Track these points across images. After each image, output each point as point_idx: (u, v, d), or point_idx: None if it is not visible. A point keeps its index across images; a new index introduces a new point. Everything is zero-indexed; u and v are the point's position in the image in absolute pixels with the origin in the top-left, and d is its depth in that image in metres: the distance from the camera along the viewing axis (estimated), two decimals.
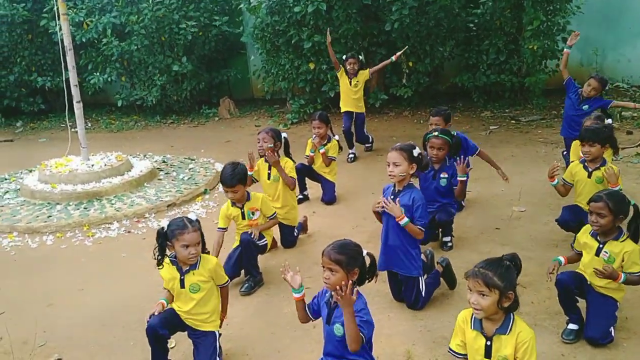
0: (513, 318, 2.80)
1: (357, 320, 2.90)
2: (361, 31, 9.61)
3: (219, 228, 4.74)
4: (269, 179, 5.47)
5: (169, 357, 3.66)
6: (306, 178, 6.56)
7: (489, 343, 2.79)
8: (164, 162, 8.42)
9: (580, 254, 3.85)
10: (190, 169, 8.02)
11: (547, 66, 9.42)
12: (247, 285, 4.64)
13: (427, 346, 3.72)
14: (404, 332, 3.92)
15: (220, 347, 3.66)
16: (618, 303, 3.70)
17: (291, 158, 5.60)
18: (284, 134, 5.56)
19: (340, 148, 6.79)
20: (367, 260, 3.10)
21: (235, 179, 4.54)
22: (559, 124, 7.99)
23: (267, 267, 4.91)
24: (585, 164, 4.67)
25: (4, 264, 5.53)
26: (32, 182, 7.31)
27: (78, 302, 4.69)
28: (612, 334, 3.61)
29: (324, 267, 3.04)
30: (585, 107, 6.35)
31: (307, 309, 3.27)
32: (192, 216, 3.60)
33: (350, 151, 8.03)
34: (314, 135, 6.57)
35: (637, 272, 3.55)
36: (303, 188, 6.57)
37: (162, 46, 10.96)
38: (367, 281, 3.13)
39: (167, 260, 3.58)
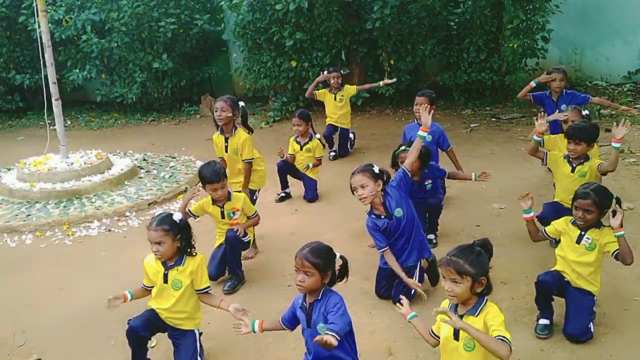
0: (485, 302, 2.83)
1: (330, 318, 2.95)
2: (342, 29, 9.63)
3: (188, 210, 4.62)
4: (226, 151, 5.38)
5: (148, 357, 3.64)
6: (288, 176, 6.57)
7: None
8: (144, 160, 8.35)
9: (546, 238, 4.05)
10: (171, 167, 7.97)
11: (526, 64, 9.50)
12: (230, 283, 4.63)
13: (409, 342, 3.75)
14: (386, 329, 3.94)
15: (201, 346, 3.66)
16: (595, 298, 3.76)
17: (249, 128, 5.50)
18: (241, 103, 5.42)
19: (323, 145, 6.80)
20: (340, 262, 3.12)
21: (220, 174, 4.51)
22: None
23: (248, 265, 4.91)
24: (570, 159, 4.70)
25: None
26: (11, 180, 7.21)
27: (58, 301, 4.65)
28: (592, 330, 3.66)
29: (297, 269, 3.03)
30: (564, 106, 6.22)
31: (282, 323, 3.31)
32: (177, 216, 3.59)
33: (331, 149, 8.03)
34: (295, 135, 6.58)
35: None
36: (285, 186, 6.56)
37: (142, 43, 10.86)
38: (337, 281, 3.15)
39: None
